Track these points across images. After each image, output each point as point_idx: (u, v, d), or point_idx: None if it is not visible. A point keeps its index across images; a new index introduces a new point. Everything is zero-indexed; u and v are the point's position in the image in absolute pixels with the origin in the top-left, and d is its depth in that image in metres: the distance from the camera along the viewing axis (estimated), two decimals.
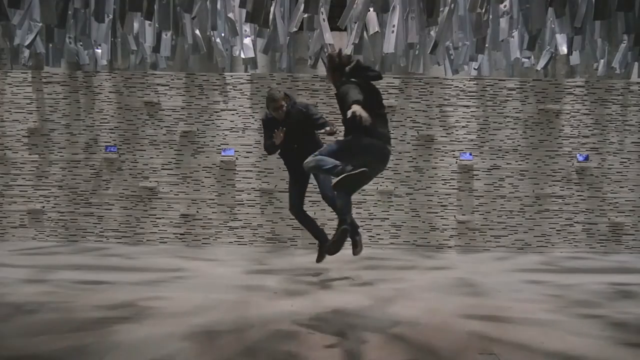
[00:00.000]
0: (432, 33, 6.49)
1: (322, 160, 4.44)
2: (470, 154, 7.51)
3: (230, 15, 6.50)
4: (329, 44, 6.38)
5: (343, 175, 4.24)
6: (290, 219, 7.51)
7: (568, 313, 4.42)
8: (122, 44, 7.45)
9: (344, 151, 4.50)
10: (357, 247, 5.14)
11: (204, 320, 3.98)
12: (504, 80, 7.66)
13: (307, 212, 5.64)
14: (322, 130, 5.22)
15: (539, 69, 7.51)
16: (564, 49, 6.71)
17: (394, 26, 6.16)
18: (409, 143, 7.60)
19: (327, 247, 4.76)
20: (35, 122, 7.64)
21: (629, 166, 7.59)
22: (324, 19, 6.23)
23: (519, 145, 7.60)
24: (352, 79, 4.54)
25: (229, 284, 5.17)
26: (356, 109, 4.07)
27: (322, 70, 7.49)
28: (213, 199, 7.59)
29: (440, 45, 6.40)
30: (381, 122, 4.58)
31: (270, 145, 5.41)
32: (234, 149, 7.55)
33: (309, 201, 7.48)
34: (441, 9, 5.96)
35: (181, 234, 7.58)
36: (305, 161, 4.55)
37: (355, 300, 4.71)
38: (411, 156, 7.59)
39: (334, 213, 5.39)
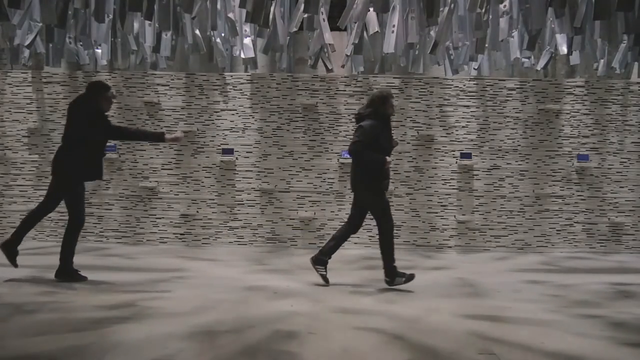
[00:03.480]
0: (432, 33, 6.49)
1: None
2: (470, 155, 7.51)
3: (230, 15, 6.50)
4: (329, 44, 6.38)
5: None
6: (291, 219, 7.53)
7: (568, 313, 4.42)
8: (122, 44, 7.45)
9: None
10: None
11: (204, 320, 3.98)
12: (504, 80, 7.66)
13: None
14: None
15: (539, 69, 7.51)
16: (564, 49, 6.71)
17: (394, 26, 6.16)
18: (409, 143, 7.59)
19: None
20: (35, 122, 7.64)
21: (629, 166, 7.58)
22: (324, 19, 6.23)
23: (519, 145, 7.59)
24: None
25: (229, 284, 5.17)
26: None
27: (322, 70, 7.50)
28: (213, 199, 7.59)
29: (440, 45, 6.39)
30: None
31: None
32: (234, 148, 7.55)
33: (309, 201, 7.50)
34: (441, 9, 5.96)
35: (181, 234, 7.58)
36: None
37: (355, 300, 4.71)
38: (411, 156, 7.59)
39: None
